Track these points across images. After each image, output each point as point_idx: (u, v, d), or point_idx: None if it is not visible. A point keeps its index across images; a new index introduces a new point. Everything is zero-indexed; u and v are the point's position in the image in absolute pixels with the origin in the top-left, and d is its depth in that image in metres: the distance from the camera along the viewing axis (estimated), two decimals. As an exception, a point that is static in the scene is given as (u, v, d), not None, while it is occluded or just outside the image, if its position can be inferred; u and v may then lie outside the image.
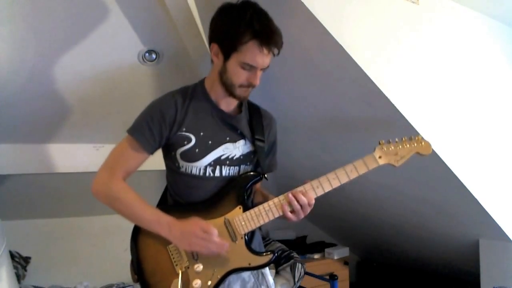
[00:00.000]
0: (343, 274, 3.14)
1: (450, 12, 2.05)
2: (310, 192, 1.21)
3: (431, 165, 1.88)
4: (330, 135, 2.24)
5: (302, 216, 1.21)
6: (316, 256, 3.23)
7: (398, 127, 1.79)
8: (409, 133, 1.68)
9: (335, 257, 3.19)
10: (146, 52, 1.96)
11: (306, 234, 3.50)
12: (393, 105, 1.70)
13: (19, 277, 2.12)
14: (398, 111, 1.71)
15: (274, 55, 1.20)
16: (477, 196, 1.96)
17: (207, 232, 1.15)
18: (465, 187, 1.92)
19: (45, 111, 2.07)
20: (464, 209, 2.12)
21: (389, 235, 3.02)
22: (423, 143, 1.29)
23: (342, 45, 1.55)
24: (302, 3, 1.46)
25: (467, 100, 2.05)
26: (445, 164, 1.84)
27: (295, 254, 2.70)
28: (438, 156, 1.80)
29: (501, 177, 2.13)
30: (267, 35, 1.15)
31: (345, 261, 3.25)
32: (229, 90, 1.22)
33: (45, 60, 1.83)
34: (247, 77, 1.19)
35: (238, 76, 1.19)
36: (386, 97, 1.68)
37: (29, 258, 2.36)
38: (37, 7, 1.60)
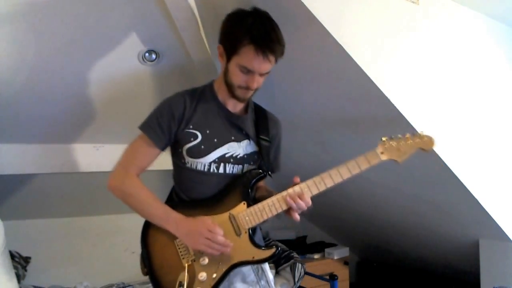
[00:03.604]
0: (343, 274, 3.14)
1: (450, 12, 2.05)
2: (306, 195, 1.24)
3: (431, 165, 1.89)
4: (330, 135, 2.25)
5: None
6: (316, 256, 3.23)
7: (398, 127, 1.78)
8: (409, 132, 1.67)
9: (335, 257, 3.19)
10: (146, 52, 1.96)
11: (306, 234, 3.50)
12: (393, 104, 1.70)
13: (19, 277, 2.11)
14: (398, 111, 1.72)
15: (272, 62, 1.24)
16: (477, 196, 1.96)
17: (212, 232, 1.19)
18: (465, 187, 1.93)
19: (44, 111, 2.07)
20: (464, 209, 2.12)
21: (389, 235, 3.02)
22: (425, 138, 1.30)
23: (342, 45, 1.55)
24: (302, 3, 1.46)
25: (467, 100, 2.05)
26: (445, 164, 1.84)
27: (295, 254, 2.70)
28: (438, 156, 1.81)
29: (501, 177, 2.13)
30: (264, 42, 1.20)
31: (345, 261, 3.25)
32: (230, 90, 1.29)
33: (44, 60, 1.83)
34: (245, 80, 1.26)
35: (237, 77, 1.26)
36: (386, 97, 1.68)
37: (29, 258, 2.36)
38: (37, 7, 1.60)
